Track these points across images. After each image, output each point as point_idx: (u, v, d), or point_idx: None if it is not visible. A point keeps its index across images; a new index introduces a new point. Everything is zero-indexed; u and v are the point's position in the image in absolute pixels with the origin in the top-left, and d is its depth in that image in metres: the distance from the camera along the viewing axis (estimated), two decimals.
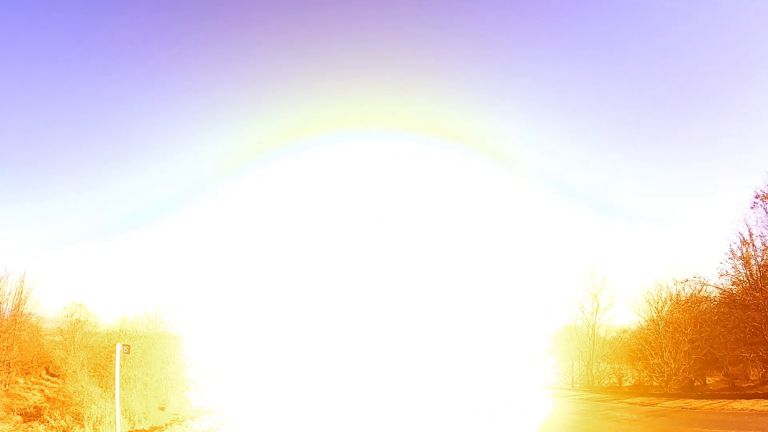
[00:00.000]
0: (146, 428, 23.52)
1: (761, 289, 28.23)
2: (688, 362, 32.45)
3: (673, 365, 32.85)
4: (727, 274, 30.42)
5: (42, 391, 28.05)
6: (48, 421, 21.16)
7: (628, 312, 37.05)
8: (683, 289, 34.01)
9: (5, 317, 28.95)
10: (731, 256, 30.00)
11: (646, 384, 36.17)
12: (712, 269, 31.42)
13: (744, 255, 29.60)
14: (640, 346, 35.49)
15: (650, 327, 35.15)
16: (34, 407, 23.90)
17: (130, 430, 22.99)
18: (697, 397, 29.40)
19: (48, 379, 31.35)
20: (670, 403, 28.22)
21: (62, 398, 24.50)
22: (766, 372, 29.97)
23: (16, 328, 29.12)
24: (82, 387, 23.20)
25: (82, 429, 21.10)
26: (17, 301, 29.67)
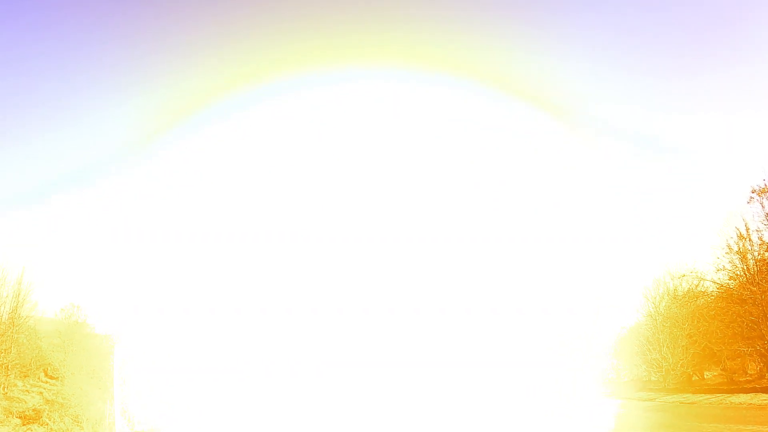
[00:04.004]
0: (146, 430, 23.51)
1: (758, 283, 28.32)
2: (686, 357, 32.57)
3: (671, 360, 32.98)
4: (724, 269, 30.53)
5: (41, 393, 27.97)
6: (47, 424, 21.12)
7: (627, 309, 37.17)
8: (681, 285, 34.13)
9: (3, 320, 28.79)
10: (728, 250, 30.09)
11: (644, 379, 36.31)
12: (709, 264, 31.54)
13: (741, 250, 29.69)
14: (638, 342, 35.62)
15: (648, 322, 35.28)
16: (33, 410, 23.84)
17: None
18: (695, 392, 29.54)
19: (47, 382, 31.26)
20: (669, 398, 28.35)
21: (61, 400, 24.45)
22: (763, 366, 30.09)
23: (14, 331, 28.97)
24: (81, 389, 23.16)
25: (82, 431, 21.07)
26: (15, 304, 29.51)
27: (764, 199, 28.53)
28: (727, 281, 31.12)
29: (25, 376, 30.64)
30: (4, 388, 27.08)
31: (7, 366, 28.12)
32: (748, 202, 29.38)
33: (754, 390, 27.02)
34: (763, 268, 28.73)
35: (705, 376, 34.53)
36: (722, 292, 31.54)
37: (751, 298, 28.41)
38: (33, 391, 28.28)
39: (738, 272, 30.13)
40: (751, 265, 29.34)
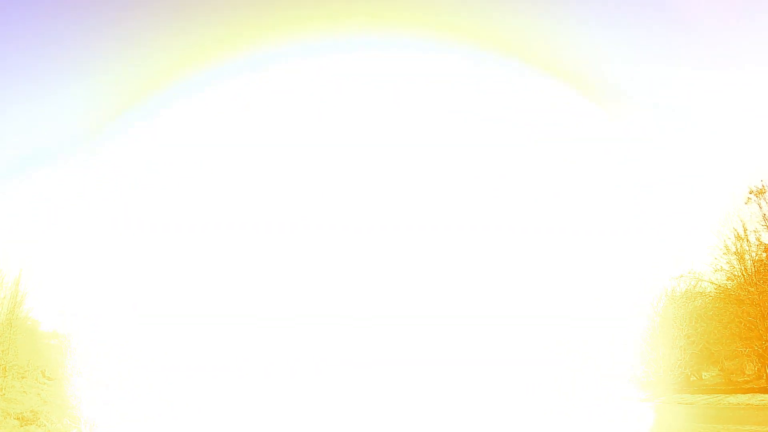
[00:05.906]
0: (144, 428, 23.45)
1: (756, 284, 28.45)
2: (684, 357, 32.65)
3: (669, 361, 33.06)
4: (722, 269, 30.69)
5: (39, 394, 27.91)
6: (45, 425, 21.07)
7: (625, 310, 37.20)
8: (678, 285, 34.25)
9: (0, 321, 28.76)
10: (726, 251, 30.26)
11: (641, 379, 36.37)
12: (706, 265, 31.66)
13: (738, 250, 29.85)
14: (635, 342, 35.71)
15: (645, 323, 35.38)
16: (31, 411, 23.78)
17: None
18: (693, 392, 29.62)
19: (44, 383, 31.19)
20: (667, 398, 28.39)
21: (59, 402, 24.38)
22: (761, 366, 30.20)
23: (11, 332, 28.93)
24: (79, 390, 23.11)
25: None
26: (12, 305, 29.48)
27: (762, 200, 28.68)
28: (725, 282, 31.28)
29: (23, 377, 30.58)
30: (1, 390, 27.02)
31: (5, 367, 28.07)
32: (745, 203, 29.53)
33: (752, 390, 27.12)
34: (761, 269, 28.89)
35: (703, 377, 34.63)
36: (720, 293, 31.67)
37: (748, 298, 28.54)
38: (31, 392, 28.21)
39: (736, 273, 30.28)
40: (749, 265, 29.48)
